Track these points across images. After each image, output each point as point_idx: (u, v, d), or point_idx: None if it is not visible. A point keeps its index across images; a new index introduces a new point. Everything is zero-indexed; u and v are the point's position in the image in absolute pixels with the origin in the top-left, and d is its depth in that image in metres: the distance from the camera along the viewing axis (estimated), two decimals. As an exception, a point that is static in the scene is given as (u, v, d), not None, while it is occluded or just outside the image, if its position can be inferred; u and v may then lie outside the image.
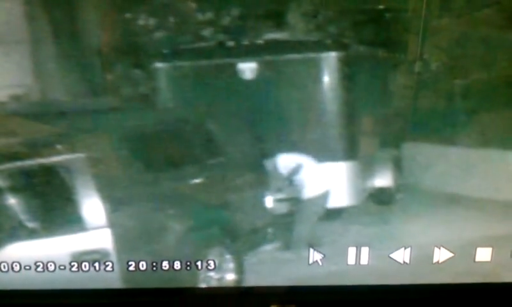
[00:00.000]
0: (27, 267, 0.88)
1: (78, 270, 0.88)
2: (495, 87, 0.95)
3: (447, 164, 0.98)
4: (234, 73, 0.94)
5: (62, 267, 0.88)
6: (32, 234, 0.87)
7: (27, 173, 0.87)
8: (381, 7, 0.95)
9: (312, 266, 0.92)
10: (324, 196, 0.95)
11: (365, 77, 0.99)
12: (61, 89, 0.95)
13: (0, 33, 0.89)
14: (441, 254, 0.92)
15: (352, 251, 0.92)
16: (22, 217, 0.87)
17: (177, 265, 0.90)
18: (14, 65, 0.90)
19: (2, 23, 0.89)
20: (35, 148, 0.88)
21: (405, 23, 0.96)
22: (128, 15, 0.92)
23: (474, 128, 0.97)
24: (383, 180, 1.00)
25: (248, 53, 0.94)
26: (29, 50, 0.91)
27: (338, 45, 0.96)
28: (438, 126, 0.97)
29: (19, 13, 0.90)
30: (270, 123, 0.93)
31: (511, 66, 0.95)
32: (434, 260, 0.92)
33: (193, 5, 0.94)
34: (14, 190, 0.87)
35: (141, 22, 0.93)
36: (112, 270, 0.89)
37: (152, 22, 0.93)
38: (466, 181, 0.97)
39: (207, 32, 0.94)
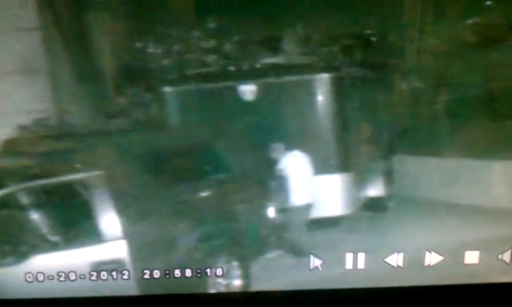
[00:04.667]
0: (51, 277, 0.89)
1: (97, 279, 0.90)
2: (476, 103, 0.99)
3: (435, 174, 1.00)
4: (236, 95, 0.98)
5: (82, 276, 0.89)
6: (54, 246, 0.89)
7: (49, 191, 0.90)
8: (369, 32, 1.00)
9: (313, 271, 0.93)
10: (323, 207, 0.98)
11: (357, 95, 1.03)
12: (79, 112, 0.99)
13: (23, 64, 0.93)
14: (432, 258, 0.93)
15: (349, 256, 0.92)
16: (45, 231, 0.89)
17: (188, 272, 0.91)
18: (36, 92, 0.94)
19: (25, 55, 0.92)
20: (56, 167, 0.90)
21: (391, 46, 1.01)
22: (138, 44, 0.97)
23: (460, 140, 0.99)
24: (376, 190, 1.03)
25: (248, 76, 0.97)
26: (49, 79, 0.95)
27: (330, 67, 1.01)
28: (425, 139, 1.01)
29: (38, 44, 0.95)
30: (271, 139, 0.96)
31: (489, 84, 0.99)
32: (426, 263, 0.93)
33: (197, 34, 0.99)
34: (37, 206, 0.89)
35: (150, 50, 0.98)
36: (129, 278, 0.90)
37: (160, 50, 0.98)
38: (453, 190, 0.99)
39: (210, 58, 0.99)
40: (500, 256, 0.94)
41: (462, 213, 0.97)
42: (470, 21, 0.96)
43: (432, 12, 0.97)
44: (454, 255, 0.94)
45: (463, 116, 0.99)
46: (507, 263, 0.95)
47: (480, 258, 0.93)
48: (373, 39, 0.99)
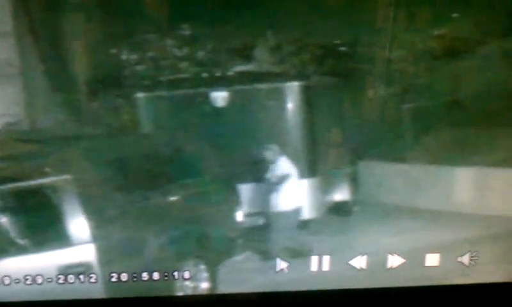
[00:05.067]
0: (17, 280, 0.88)
1: (64, 283, 0.89)
2: (438, 111, 1.02)
3: (397, 179, 1.03)
4: (208, 102, 0.99)
5: (49, 280, 0.89)
6: (21, 249, 0.88)
7: (18, 194, 0.89)
8: (338, 42, 1.03)
9: (279, 273, 0.95)
10: (289, 210, 1.00)
11: (325, 103, 1.05)
12: (50, 117, 0.98)
13: (-5, 68, 0.94)
14: (394, 260, 0.95)
15: (315, 259, 0.94)
16: (12, 234, 0.88)
17: (156, 275, 0.91)
18: (6, 96, 0.93)
19: (-3, 59, 0.94)
20: (25, 170, 0.90)
21: (359, 55, 1.03)
22: (112, 50, 0.98)
23: (421, 148, 1.03)
24: (341, 194, 1.06)
25: (221, 83, 0.99)
26: (20, 83, 0.95)
27: (300, 76, 1.03)
28: (389, 146, 1.03)
29: (11, 49, 0.95)
30: (240, 145, 0.98)
31: (452, 93, 1.03)
32: (388, 266, 0.95)
33: (171, 41, 1.00)
34: (5, 209, 0.88)
35: (123, 56, 0.98)
36: (96, 281, 0.90)
37: (133, 56, 0.99)
38: (415, 195, 1.02)
39: (183, 65, 1.01)
40: (459, 259, 0.97)
41: (423, 217, 1.00)
42: (436, 32, 0.99)
43: (400, 23, 1.00)
44: (415, 258, 0.96)
45: (426, 123, 1.02)
46: (465, 266, 0.98)
47: (440, 261, 0.96)
48: (342, 48, 1.02)
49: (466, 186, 1.03)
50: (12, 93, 0.95)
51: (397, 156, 1.03)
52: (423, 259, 0.96)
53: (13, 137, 0.93)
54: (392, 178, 1.03)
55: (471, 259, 0.98)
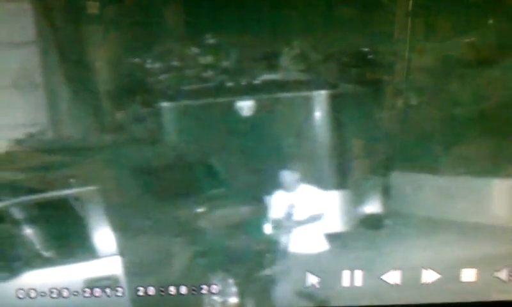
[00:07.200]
0: (43, 294, 0.89)
1: (90, 296, 0.90)
2: (472, 120, 1.02)
3: (432, 191, 1.01)
4: (233, 111, 1.00)
5: (75, 293, 0.89)
6: (47, 262, 0.89)
7: (43, 205, 0.90)
8: (365, 49, 1.03)
9: (309, 288, 0.95)
10: (320, 224, 0.99)
11: (353, 112, 1.05)
12: (74, 127, 1.00)
13: (17, 79, 0.94)
14: (428, 276, 0.94)
15: (346, 274, 0.94)
16: (38, 246, 0.89)
17: (183, 289, 0.92)
18: (30, 106, 0.95)
19: (18, 69, 0.93)
20: (50, 181, 0.91)
21: (388, 64, 1.03)
22: (136, 60, 1.00)
23: (457, 158, 1.01)
24: (373, 207, 1.04)
25: (246, 92, 0.99)
26: (43, 93, 0.96)
27: (327, 84, 1.03)
28: (422, 156, 1.02)
29: (35, 58, 0.96)
30: (267, 155, 0.97)
31: (485, 101, 1.02)
32: (423, 281, 0.95)
33: (196, 50, 1.02)
34: (30, 221, 0.90)
35: (148, 65, 1.00)
36: (123, 295, 0.90)
37: (158, 65, 1.01)
38: (450, 207, 1.00)
39: (208, 74, 1.02)
40: (496, 274, 0.96)
41: (459, 230, 0.99)
42: (465, 40, 0.99)
43: (429, 30, 1.00)
44: (450, 273, 0.95)
45: (460, 133, 1.01)
46: (503, 281, 0.96)
47: (477, 276, 0.95)
48: (370, 56, 1.02)
49: (502, 198, 1.02)
50: (36, 103, 0.96)
51: (430, 166, 1.02)
52: (459, 275, 0.95)
53: (37, 148, 0.94)
54: (425, 190, 1.01)
55: (509, 275, 0.97)
